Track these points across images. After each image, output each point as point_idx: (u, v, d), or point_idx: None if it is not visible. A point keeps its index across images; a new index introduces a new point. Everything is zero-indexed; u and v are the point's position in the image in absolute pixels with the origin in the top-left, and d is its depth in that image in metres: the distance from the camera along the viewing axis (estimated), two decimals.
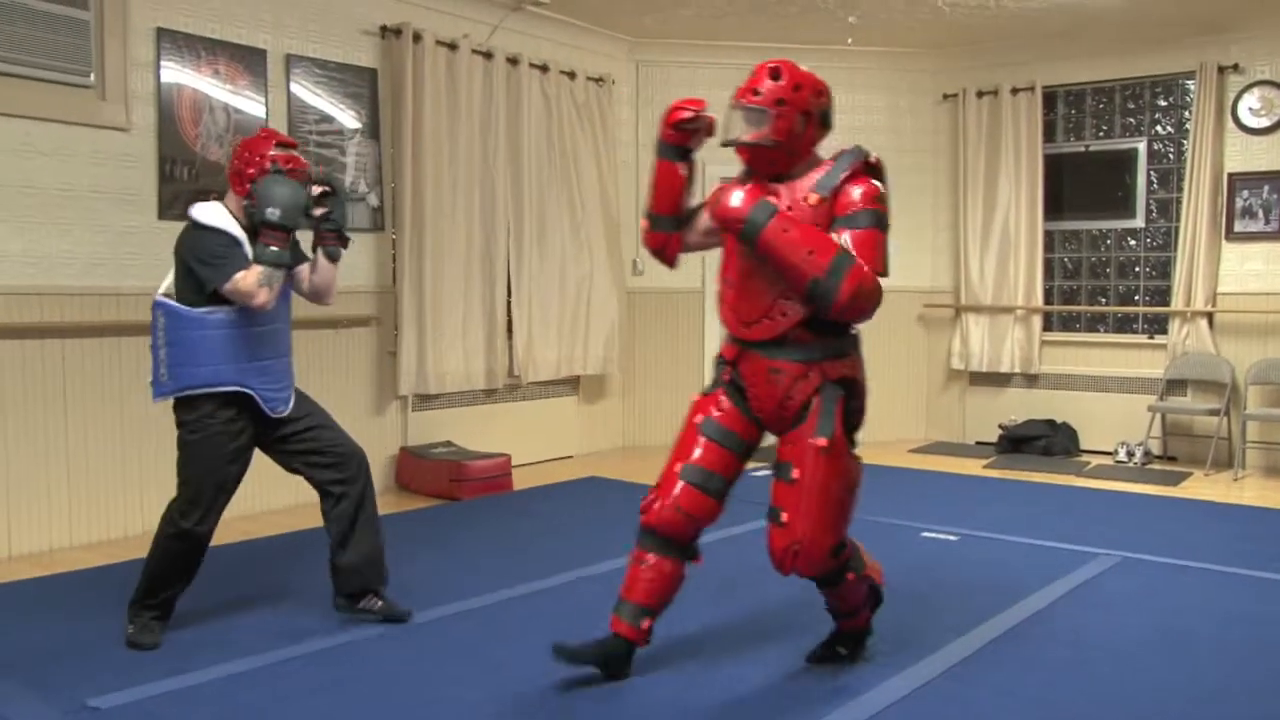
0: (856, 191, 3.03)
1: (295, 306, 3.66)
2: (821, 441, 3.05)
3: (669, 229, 3.36)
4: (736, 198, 2.99)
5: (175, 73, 5.25)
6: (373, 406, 6.26)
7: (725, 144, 3.13)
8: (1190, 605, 4.05)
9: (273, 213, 3.38)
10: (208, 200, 3.61)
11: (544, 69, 7.09)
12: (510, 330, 6.95)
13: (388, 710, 3.05)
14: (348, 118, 6.07)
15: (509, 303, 6.92)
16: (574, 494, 6.26)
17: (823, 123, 3.14)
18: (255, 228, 3.46)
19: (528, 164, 6.95)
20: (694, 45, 7.86)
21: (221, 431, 3.50)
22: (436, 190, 6.36)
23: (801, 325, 3.07)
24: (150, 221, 5.17)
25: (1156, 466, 7.15)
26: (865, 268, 2.93)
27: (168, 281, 3.52)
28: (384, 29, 6.22)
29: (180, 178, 5.27)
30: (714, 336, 8.02)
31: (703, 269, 7.93)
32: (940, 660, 3.43)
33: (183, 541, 3.54)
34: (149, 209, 5.17)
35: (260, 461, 3.68)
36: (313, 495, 3.77)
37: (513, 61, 6.87)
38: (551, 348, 7.19)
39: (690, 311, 8.02)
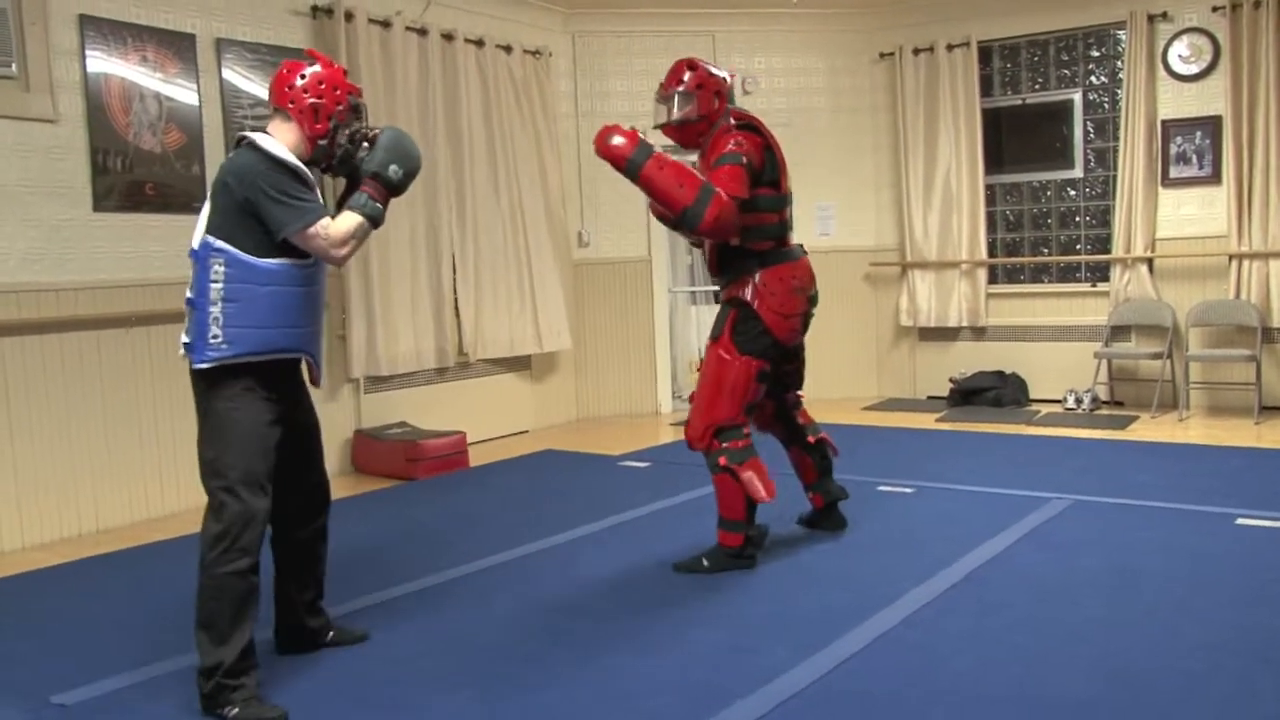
0: (725, 143, 3.84)
1: None
2: (709, 342, 4.03)
3: None
4: (619, 139, 3.70)
5: (102, 61, 5.13)
6: (325, 390, 6.20)
7: (658, 126, 4.03)
8: (1140, 543, 4.14)
9: (396, 171, 3.08)
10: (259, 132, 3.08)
11: (479, 44, 7.02)
12: (458, 308, 6.92)
13: (358, 686, 3.05)
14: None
15: (455, 281, 6.88)
16: (530, 468, 6.26)
17: (728, 97, 4.01)
18: (346, 172, 3.15)
19: (467, 140, 6.89)
20: (629, 14, 7.82)
21: (266, 399, 2.99)
22: None
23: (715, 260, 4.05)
24: (85, 214, 5.07)
25: (1104, 412, 7.28)
26: (725, 196, 3.67)
27: (203, 226, 2.97)
28: (315, 8, 6.13)
29: (114, 168, 5.17)
30: (664, 304, 8.05)
31: (648, 238, 7.94)
32: (900, 609, 3.49)
33: (243, 532, 2.88)
34: (83, 201, 5.07)
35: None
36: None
37: (448, 37, 6.80)
38: (501, 325, 7.17)
39: (639, 280, 8.01)
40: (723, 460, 3.91)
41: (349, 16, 6.15)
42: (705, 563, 4.00)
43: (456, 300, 6.90)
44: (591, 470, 6.08)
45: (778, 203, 3.97)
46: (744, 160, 3.79)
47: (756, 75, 8.12)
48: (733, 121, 3.93)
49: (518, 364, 7.47)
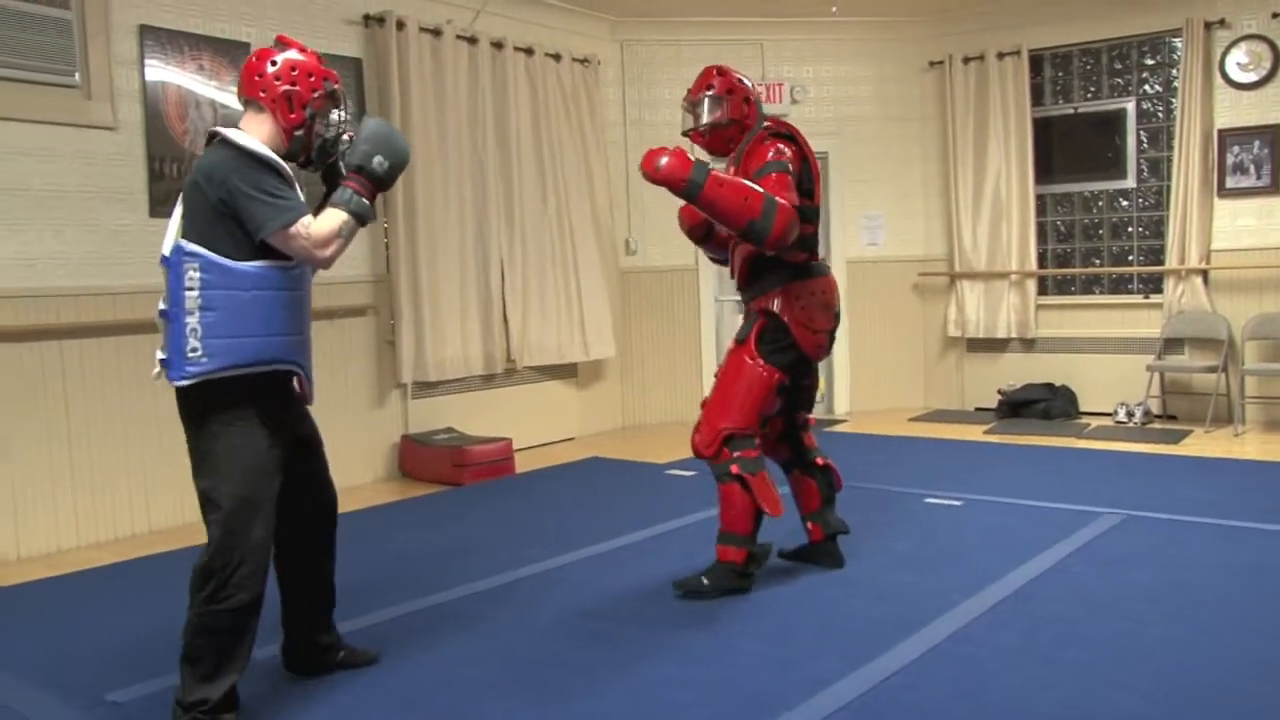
0: (765, 151, 3.72)
1: None
2: (731, 344, 3.91)
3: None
4: (671, 162, 3.50)
5: (160, 70, 5.23)
6: (374, 396, 6.27)
7: (686, 132, 3.95)
8: (1195, 560, 4.07)
9: (381, 163, 2.84)
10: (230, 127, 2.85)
11: (529, 52, 7.07)
12: (506, 315, 6.95)
13: (405, 691, 3.06)
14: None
15: (503, 288, 6.92)
16: (576, 475, 6.28)
17: (758, 104, 3.91)
18: (325, 167, 2.95)
19: (516, 147, 6.93)
20: (677, 23, 7.83)
21: (262, 420, 2.78)
22: (427, 177, 6.36)
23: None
24: (142, 219, 5.16)
25: (1157, 426, 7.17)
26: (788, 205, 3.55)
27: (175, 230, 2.76)
28: (367, 17, 6.20)
29: (170, 175, 5.25)
30: (710, 312, 8.04)
31: (695, 247, 7.92)
32: (949, 623, 3.45)
33: (240, 567, 2.71)
34: (140, 207, 5.17)
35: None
36: None
37: (497, 46, 6.85)
38: (549, 332, 7.20)
39: (686, 288, 8.02)
40: (735, 469, 3.74)
41: (400, 25, 6.22)
42: (705, 581, 3.82)
43: (505, 307, 6.94)
44: (637, 478, 6.08)
45: (814, 213, 3.84)
46: (789, 168, 3.68)
47: (805, 84, 8.10)
48: (766, 127, 3.82)
49: (564, 371, 7.49)
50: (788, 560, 4.17)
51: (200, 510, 2.79)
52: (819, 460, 4.08)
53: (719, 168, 3.74)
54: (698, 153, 3.87)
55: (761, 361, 3.78)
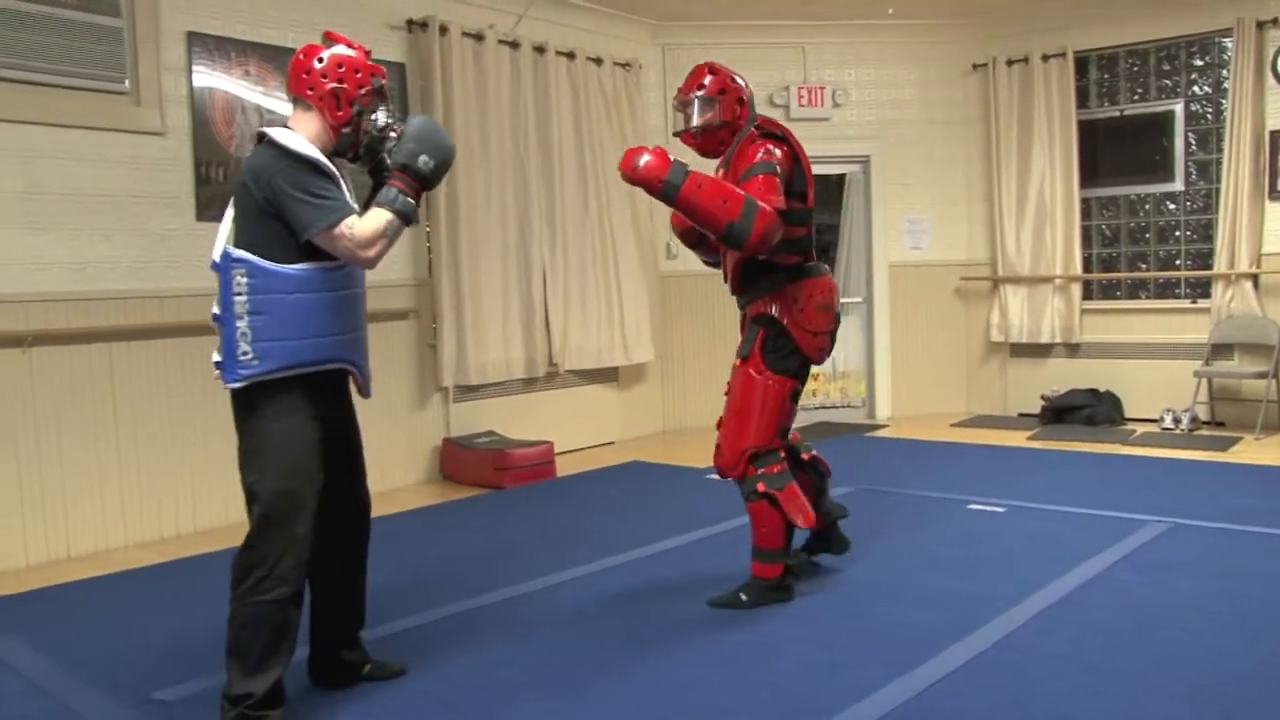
0: (753, 152, 3.60)
1: None
2: (737, 361, 3.79)
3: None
4: (649, 161, 3.39)
5: (207, 76, 5.30)
6: (415, 399, 6.31)
7: (677, 133, 3.83)
8: (1246, 569, 4.00)
9: (426, 162, 2.83)
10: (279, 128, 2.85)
11: (570, 56, 7.09)
12: (548, 319, 6.97)
13: (444, 692, 3.08)
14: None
15: (545, 291, 6.94)
16: (617, 479, 6.28)
17: (750, 105, 3.78)
18: (372, 164, 2.96)
19: (558, 152, 6.96)
20: (718, 26, 7.83)
21: (310, 417, 2.81)
22: (469, 182, 6.39)
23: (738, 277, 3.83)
24: (189, 224, 5.23)
25: (1204, 432, 7.06)
26: (768, 208, 3.42)
27: (225, 234, 2.80)
28: (410, 22, 6.25)
29: (216, 179, 5.32)
30: None
31: None
32: (994, 630, 3.42)
33: (281, 559, 2.75)
34: (187, 211, 5.23)
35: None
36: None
37: (539, 50, 6.88)
38: (590, 336, 7.21)
39: (725, 293, 7.95)
40: (761, 486, 3.69)
41: (443, 30, 6.26)
42: (743, 597, 3.75)
43: (547, 310, 6.96)
44: (678, 482, 6.07)
45: (807, 215, 3.73)
46: (777, 170, 3.55)
47: (847, 87, 8.07)
48: (757, 127, 3.69)
49: (604, 375, 7.50)
50: (801, 559, 4.12)
51: (245, 504, 2.82)
52: (804, 456, 4.03)
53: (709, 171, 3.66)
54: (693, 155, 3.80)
55: (770, 374, 3.71)
